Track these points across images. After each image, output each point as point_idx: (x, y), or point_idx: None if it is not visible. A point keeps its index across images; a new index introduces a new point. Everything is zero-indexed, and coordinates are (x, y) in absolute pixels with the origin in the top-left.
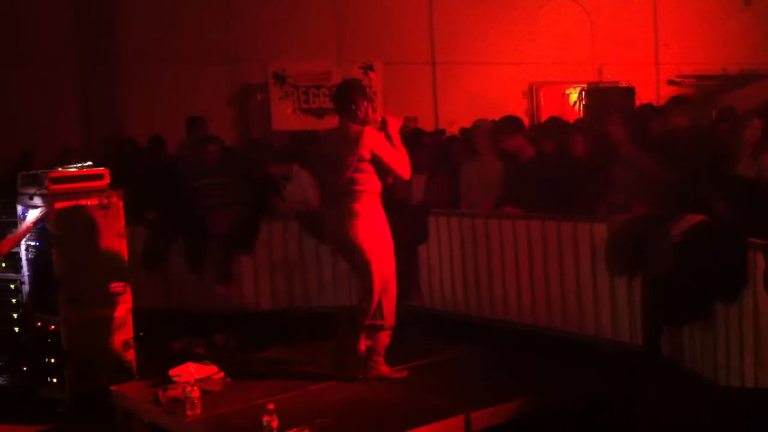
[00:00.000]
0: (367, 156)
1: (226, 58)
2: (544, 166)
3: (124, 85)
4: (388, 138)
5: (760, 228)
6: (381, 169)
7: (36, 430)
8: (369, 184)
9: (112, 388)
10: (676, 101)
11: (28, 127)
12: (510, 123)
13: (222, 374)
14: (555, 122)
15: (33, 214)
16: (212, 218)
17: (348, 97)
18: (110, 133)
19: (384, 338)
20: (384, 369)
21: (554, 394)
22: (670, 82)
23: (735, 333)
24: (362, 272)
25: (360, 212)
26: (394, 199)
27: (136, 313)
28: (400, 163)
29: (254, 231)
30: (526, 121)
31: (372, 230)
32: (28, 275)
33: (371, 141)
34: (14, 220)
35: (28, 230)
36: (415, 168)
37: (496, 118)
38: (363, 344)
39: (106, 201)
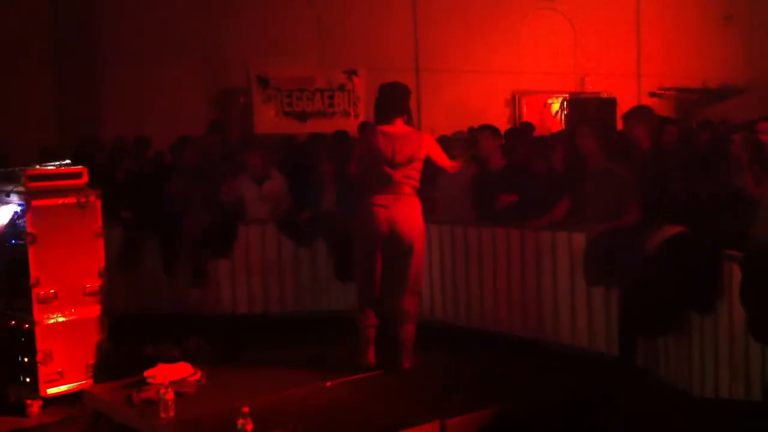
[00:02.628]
0: (422, 156)
1: (209, 61)
2: (512, 177)
3: (104, 87)
4: None
5: (734, 239)
6: (432, 166)
7: (7, 431)
8: (417, 182)
9: (85, 388)
10: (635, 112)
11: (2, 127)
12: (490, 129)
13: (197, 376)
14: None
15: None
16: (187, 221)
17: (405, 100)
18: (88, 134)
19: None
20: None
21: (530, 401)
22: (652, 95)
23: (710, 344)
24: (414, 266)
25: (416, 206)
26: None
27: (111, 314)
28: (449, 162)
29: (232, 234)
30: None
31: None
32: (2, 272)
33: (429, 145)
34: None
35: None
36: None
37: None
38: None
39: (83, 200)
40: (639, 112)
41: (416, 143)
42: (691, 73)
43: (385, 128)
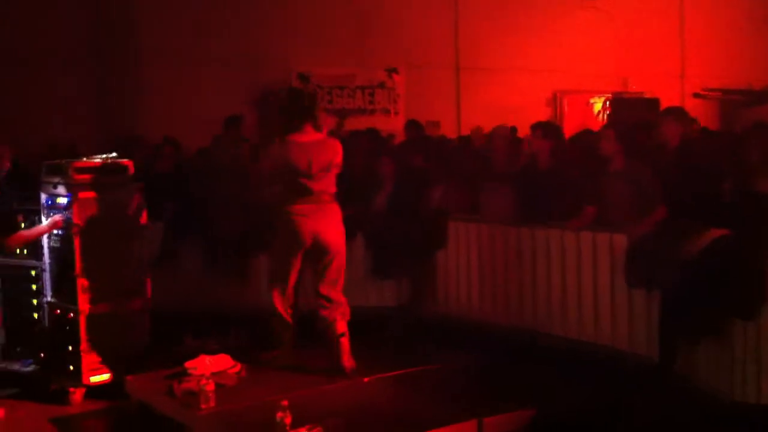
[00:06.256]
0: (339, 162)
1: (248, 58)
2: (559, 178)
3: (143, 86)
4: None
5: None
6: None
7: (50, 418)
8: (335, 187)
9: (127, 378)
10: (667, 113)
11: (45, 125)
12: (543, 128)
13: (237, 368)
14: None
15: (52, 220)
16: (227, 218)
17: (313, 106)
18: (126, 131)
19: None
20: None
21: (567, 403)
22: (695, 95)
23: (752, 349)
24: (340, 271)
25: (337, 213)
26: (412, 205)
27: (152, 307)
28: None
29: (270, 230)
30: None
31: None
32: (49, 263)
33: (341, 153)
34: (37, 209)
35: (42, 233)
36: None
37: (519, 125)
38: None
39: (128, 193)
40: (674, 112)
41: (333, 150)
42: (735, 74)
43: (297, 138)
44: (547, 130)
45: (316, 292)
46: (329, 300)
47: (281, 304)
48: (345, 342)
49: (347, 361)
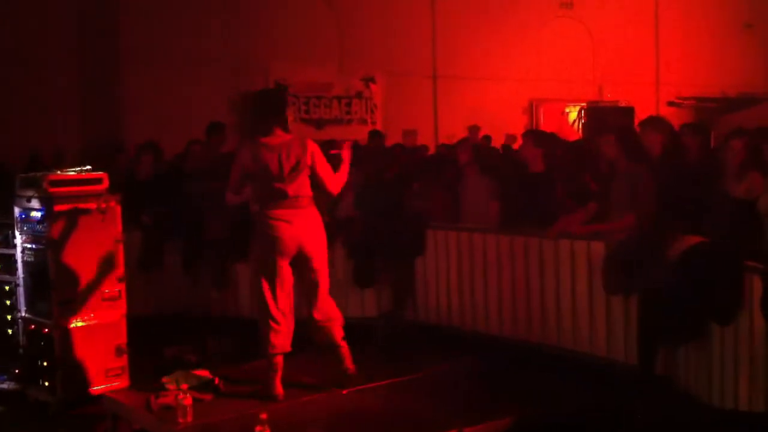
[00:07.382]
0: (309, 162)
1: (228, 65)
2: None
3: (126, 92)
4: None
5: (749, 248)
6: (313, 179)
7: None
8: (310, 190)
9: (104, 393)
10: (645, 123)
11: (29, 130)
12: (534, 135)
13: (216, 381)
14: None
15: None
16: (208, 223)
17: (282, 107)
18: (110, 137)
19: None
20: None
21: (547, 411)
22: (670, 104)
23: (730, 355)
24: (327, 281)
25: (317, 218)
26: (393, 210)
27: (130, 318)
28: (335, 179)
29: (251, 237)
30: None
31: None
32: (23, 277)
33: (314, 152)
34: (10, 222)
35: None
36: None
37: (496, 133)
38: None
39: (104, 205)
40: (654, 121)
41: (300, 149)
42: (709, 82)
43: (266, 140)
44: (538, 137)
45: (314, 308)
46: (329, 314)
47: (280, 344)
48: (346, 345)
49: (350, 364)
